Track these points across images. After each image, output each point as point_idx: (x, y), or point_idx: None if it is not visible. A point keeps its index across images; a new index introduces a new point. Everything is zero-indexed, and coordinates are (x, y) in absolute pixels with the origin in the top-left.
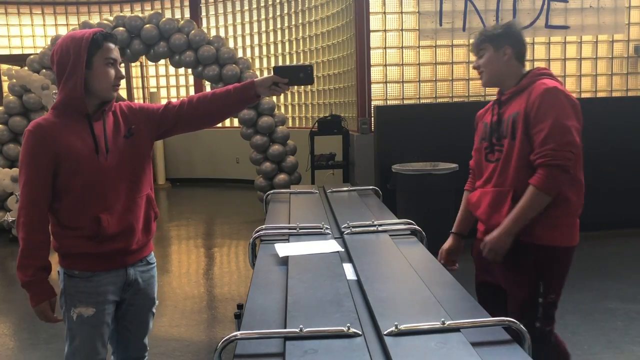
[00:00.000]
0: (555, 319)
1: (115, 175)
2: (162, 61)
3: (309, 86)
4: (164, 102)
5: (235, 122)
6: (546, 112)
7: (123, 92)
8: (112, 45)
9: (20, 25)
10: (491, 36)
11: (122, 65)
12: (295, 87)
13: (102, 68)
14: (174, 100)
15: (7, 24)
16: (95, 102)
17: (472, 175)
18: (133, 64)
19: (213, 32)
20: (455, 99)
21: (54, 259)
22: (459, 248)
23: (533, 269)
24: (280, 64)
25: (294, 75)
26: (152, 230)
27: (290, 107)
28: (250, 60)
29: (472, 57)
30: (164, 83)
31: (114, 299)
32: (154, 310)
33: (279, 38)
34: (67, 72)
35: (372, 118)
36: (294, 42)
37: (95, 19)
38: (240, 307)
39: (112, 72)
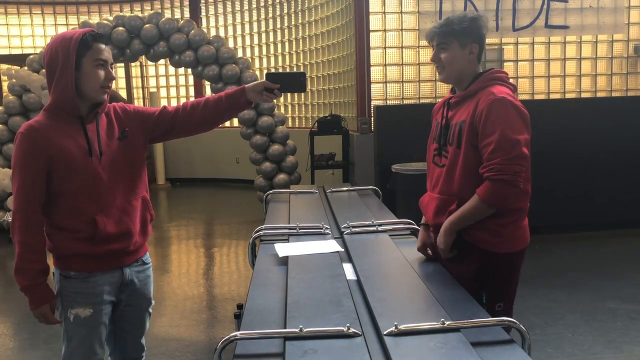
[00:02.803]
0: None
1: (110, 177)
2: (162, 61)
3: (308, 86)
4: (163, 102)
5: (235, 122)
6: (494, 125)
7: (123, 92)
8: (102, 46)
9: (20, 25)
10: (459, 31)
11: (122, 65)
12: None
13: (91, 70)
14: (173, 101)
15: (7, 24)
16: (87, 103)
17: None
18: (133, 64)
19: (213, 32)
20: None
21: (49, 260)
22: (428, 239)
23: (474, 280)
24: (280, 64)
25: (286, 82)
26: (148, 232)
27: (290, 107)
28: (250, 60)
29: None
30: (164, 83)
31: (110, 300)
32: (150, 310)
33: (279, 38)
34: (57, 74)
35: (372, 118)
36: (294, 42)
37: (95, 19)
38: (240, 307)
39: (102, 73)
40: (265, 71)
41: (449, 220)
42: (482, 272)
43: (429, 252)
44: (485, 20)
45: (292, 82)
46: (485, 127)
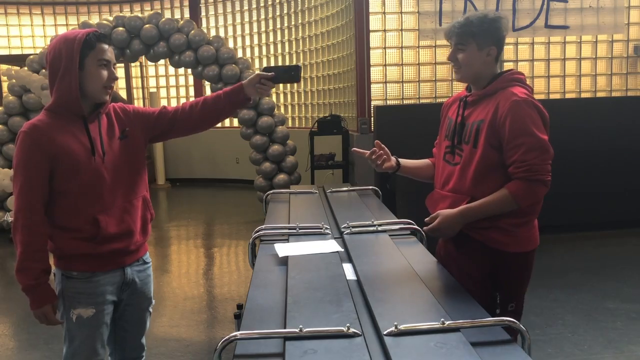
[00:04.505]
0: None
1: (112, 177)
2: (162, 61)
3: (308, 86)
4: (163, 102)
5: (235, 122)
6: (523, 126)
7: (123, 92)
8: (105, 46)
9: (19, 25)
10: (478, 33)
11: (122, 65)
12: (295, 86)
13: (95, 70)
14: (173, 101)
15: (7, 24)
16: (89, 103)
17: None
18: (133, 64)
19: (213, 32)
20: None
21: (50, 260)
22: (389, 161)
23: (487, 280)
24: (279, 64)
25: (280, 73)
26: (148, 232)
27: (290, 107)
28: (250, 60)
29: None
30: (164, 83)
31: (112, 299)
32: (150, 309)
33: (279, 38)
34: (60, 74)
35: (372, 118)
36: (294, 42)
37: (95, 19)
38: (240, 307)
39: (105, 73)
40: None
41: (468, 208)
42: (495, 273)
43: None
44: (506, 22)
45: (286, 73)
46: (513, 128)
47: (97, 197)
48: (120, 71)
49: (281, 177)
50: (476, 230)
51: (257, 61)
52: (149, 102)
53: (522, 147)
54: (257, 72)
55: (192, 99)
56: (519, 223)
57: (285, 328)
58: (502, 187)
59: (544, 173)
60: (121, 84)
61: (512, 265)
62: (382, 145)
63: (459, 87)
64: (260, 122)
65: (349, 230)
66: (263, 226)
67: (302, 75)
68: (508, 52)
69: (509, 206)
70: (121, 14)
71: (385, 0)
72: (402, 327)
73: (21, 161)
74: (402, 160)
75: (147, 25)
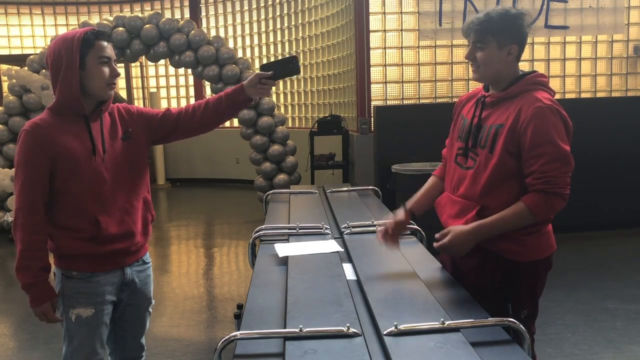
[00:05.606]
0: (534, 330)
1: (112, 177)
2: (162, 61)
3: (308, 86)
4: (163, 102)
5: (235, 122)
6: (546, 135)
7: (123, 93)
8: (104, 43)
9: (20, 25)
10: (497, 30)
11: (122, 65)
12: (295, 86)
13: (96, 67)
14: (173, 101)
15: (7, 24)
16: (92, 102)
17: (443, 163)
18: (133, 64)
19: (213, 32)
20: (455, 99)
21: (50, 259)
22: (405, 224)
23: (499, 291)
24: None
25: (279, 68)
26: (149, 233)
27: (290, 107)
28: (250, 60)
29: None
30: (164, 83)
31: (112, 300)
32: (150, 309)
33: (279, 38)
34: (61, 74)
35: (372, 118)
36: (294, 42)
37: (95, 19)
38: (240, 307)
39: (107, 70)
40: None
41: (481, 225)
42: (507, 283)
43: (398, 244)
44: (529, 19)
45: (285, 67)
46: (535, 136)
47: (98, 197)
48: (120, 71)
49: (281, 177)
50: (488, 241)
51: (257, 61)
52: (149, 102)
53: (543, 158)
54: (257, 72)
55: (192, 99)
56: (530, 231)
57: (285, 328)
58: (517, 200)
59: (563, 186)
60: (121, 84)
61: (525, 274)
62: (392, 228)
63: (459, 88)
64: (260, 122)
65: (349, 230)
66: (263, 226)
67: (300, 64)
68: None
69: (526, 221)
70: (121, 14)
71: (385, 0)
72: (402, 327)
73: (22, 160)
74: (413, 205)
75: (147, 25)
